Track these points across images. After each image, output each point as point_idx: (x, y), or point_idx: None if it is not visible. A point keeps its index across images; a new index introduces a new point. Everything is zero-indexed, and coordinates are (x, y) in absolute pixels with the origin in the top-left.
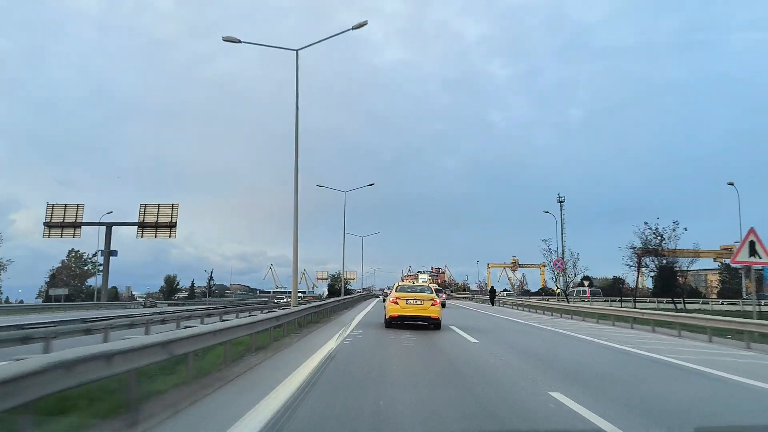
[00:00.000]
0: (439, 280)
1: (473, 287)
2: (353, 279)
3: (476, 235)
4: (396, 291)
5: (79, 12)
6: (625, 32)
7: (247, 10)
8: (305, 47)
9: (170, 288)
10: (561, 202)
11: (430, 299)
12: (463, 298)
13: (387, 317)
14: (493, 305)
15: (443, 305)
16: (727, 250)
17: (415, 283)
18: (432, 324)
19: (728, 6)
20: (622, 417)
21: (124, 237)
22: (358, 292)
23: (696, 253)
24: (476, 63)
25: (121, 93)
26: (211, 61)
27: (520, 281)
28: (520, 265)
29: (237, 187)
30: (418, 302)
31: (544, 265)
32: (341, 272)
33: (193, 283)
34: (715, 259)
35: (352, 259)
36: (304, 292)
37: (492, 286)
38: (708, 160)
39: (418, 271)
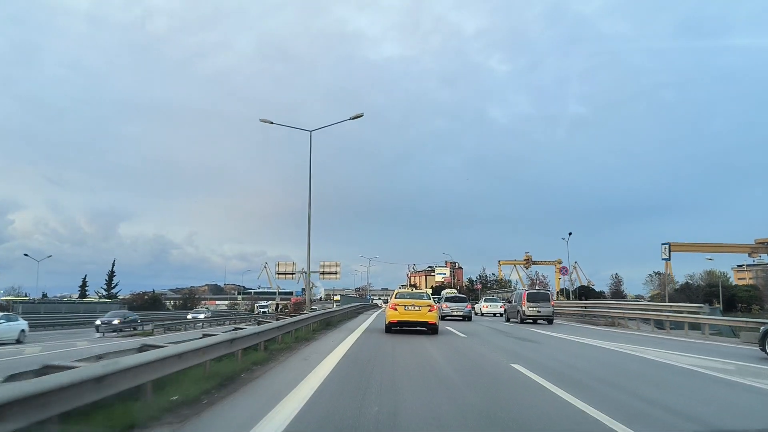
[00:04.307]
0: (456, 280)
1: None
2: (336, 275)
3: (481, 233)
4: (395, 298)
5: (70, 6)
6: (626, 25)
7: (240, 4)
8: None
9: None
10: None
11: (428, 305)
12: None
13: (387, 322)
14: None
15: (469, 318)
16: (763, 244)
17: (414, 290)
18: (429, 329)
19: None
20: None
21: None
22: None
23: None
24: (475, 57)
25: (116, 90)
26: (206, 57)
27: (531, 280)
28: (534, 262)
29: (236, 186)
30: (416, 308)
31: (560, 262)
32: None
33: (85, 282)
34: (750, 254)
35: (351, 257)
36: None
37: None
38: (713, 156)
39: (429, 267)
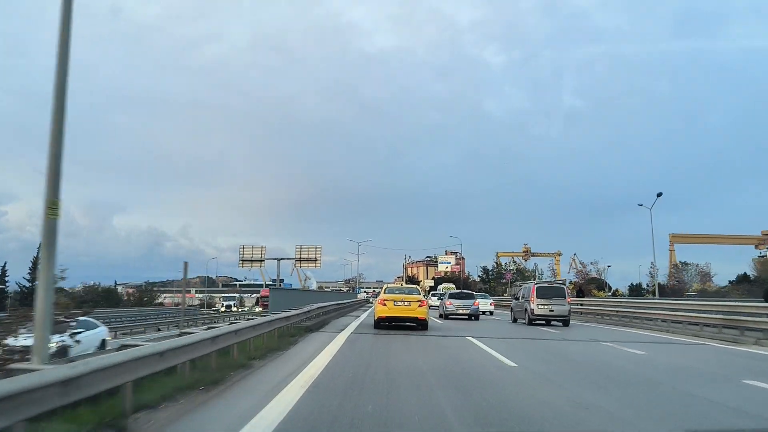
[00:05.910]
0: (459, 272)
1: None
2: (315, 263)
3: (477, 226)
4: (384, 293)
5: None
6: (622, 17)
7: None
8: None
9: None
10: None
11: (418, 301)
12: None
13: (375, 318)
14: None
15: (476, 317)
16: None
17: (404, 285)
18: (419, 325)
19: None
20: None
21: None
22: None
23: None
24: (470, 50)
25: (107, 80)
26: (198, 47)
27: (530, 273)
28: (533, 254)
29: (231, 178)
30: (406, 304)
31: (560, 254)
32: None
33: (4, 271)
34: (757, 246)
35: (346, 249)
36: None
37: None
38: (710, 150)
39: (427, 257)
